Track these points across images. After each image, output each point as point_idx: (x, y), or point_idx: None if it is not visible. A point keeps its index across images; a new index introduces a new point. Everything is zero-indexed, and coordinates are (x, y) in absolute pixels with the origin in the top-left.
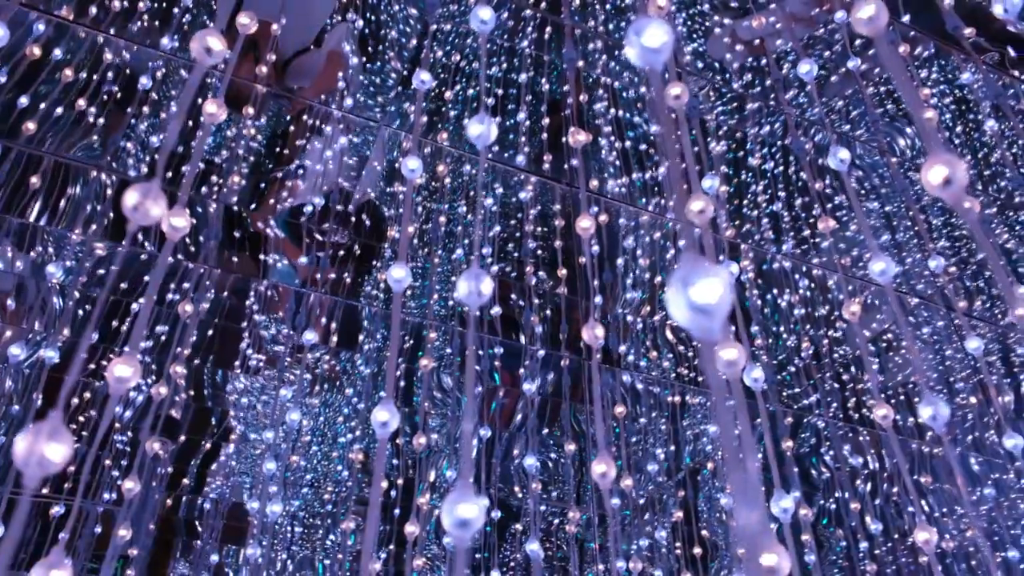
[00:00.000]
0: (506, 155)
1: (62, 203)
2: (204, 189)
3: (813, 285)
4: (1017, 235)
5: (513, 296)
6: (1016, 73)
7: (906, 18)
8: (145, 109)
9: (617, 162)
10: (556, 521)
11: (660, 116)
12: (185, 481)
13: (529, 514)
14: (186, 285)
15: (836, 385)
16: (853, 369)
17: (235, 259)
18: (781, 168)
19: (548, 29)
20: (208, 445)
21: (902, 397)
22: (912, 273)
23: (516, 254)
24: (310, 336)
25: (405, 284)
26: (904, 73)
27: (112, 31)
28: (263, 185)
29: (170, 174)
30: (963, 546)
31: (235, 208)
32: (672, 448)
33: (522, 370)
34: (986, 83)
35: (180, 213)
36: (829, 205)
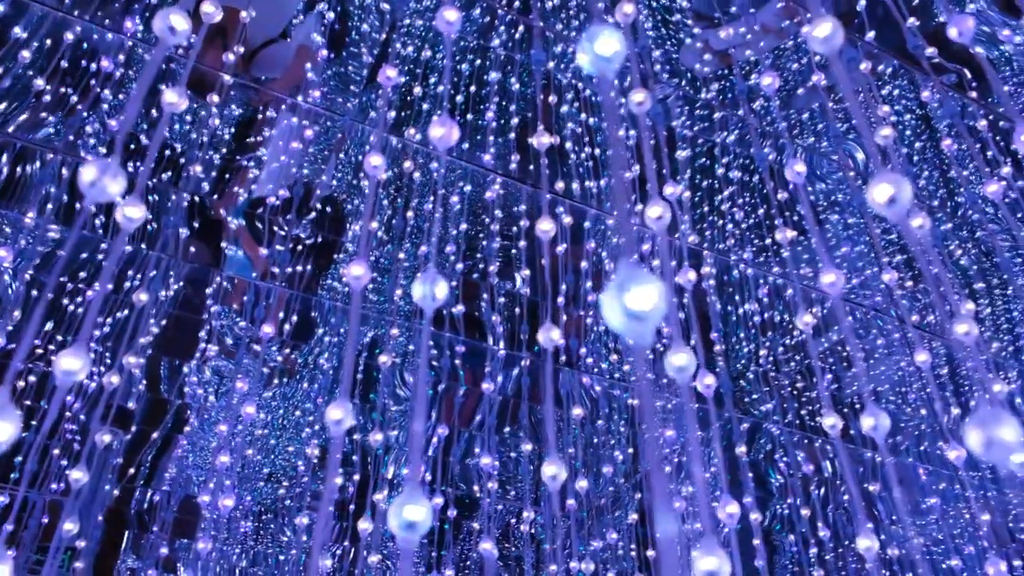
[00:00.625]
0: (477, 153)
1: (16, 185)
2: (168, 174)
3: (771, 293)
4: (973, 251)
5: (479, 295)
6: (973, 95)
7: (871, 34)
8: (107, 92)
9: (588, 164)
10: (514, 520)
11: (610, 123)
12: (133, 472)
13: (489, 513)
14: (153, 273)
15: (793, 393)
16: (814, 378)
17: (193, 248)
18: (747, 177)
19: (520, 28)
20: (162, 437)
21: (857, 406)
22: (870, 285)
23: (480, 254)
24: (268, 329)
25: (364, 282)
26: (853, 93)
27: (75, 12)
28: (227, 175)
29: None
30: (910, 554)
31: (197, 197)
32: (631, 451)
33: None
34: (943, 103)
35: (135, 203)
36: (792, 215)
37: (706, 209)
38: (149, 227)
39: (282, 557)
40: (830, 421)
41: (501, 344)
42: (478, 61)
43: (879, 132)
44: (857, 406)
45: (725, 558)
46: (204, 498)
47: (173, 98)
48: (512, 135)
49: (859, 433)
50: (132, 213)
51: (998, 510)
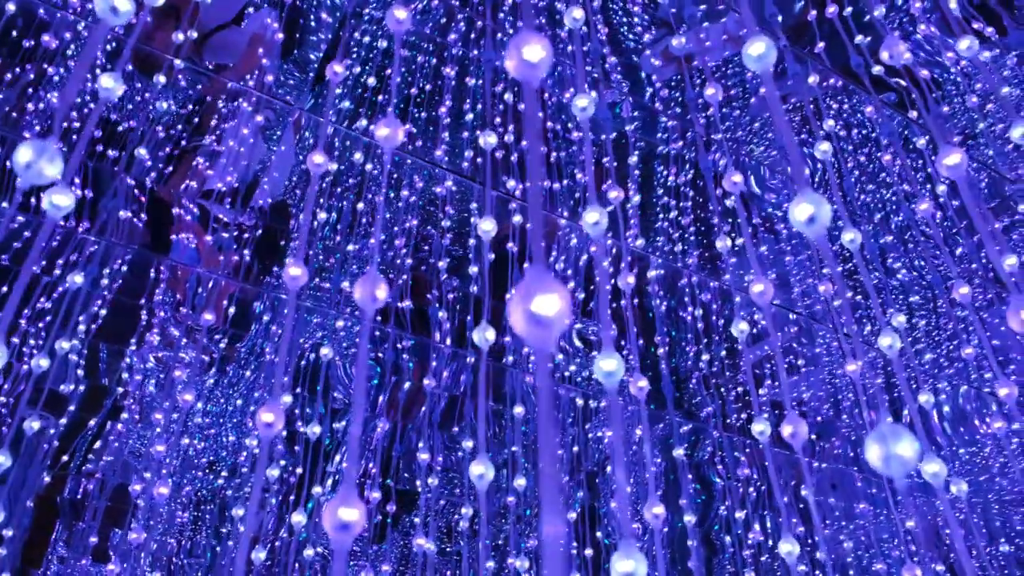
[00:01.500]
0: (429, 147)
1: None
2: (117, 151)
3: (716, 298)
4: (910, 265)
5: (428, 291)
6: (914, 114)
7: (821, 45)
8: (50, 69)
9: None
10: (457, 516)
11: (529, 130)
12: (67, 459)
13: (428, 509)
14: (90, 253)
15: (732, 397)
16: (756, 382)
17: (139, 233)
18: (700, 182)
19: (478, 25)
20: (99, 424)
21: (797, 411)
22: (810, 294)
23: (427, 248)
24: (208, 317)
25: (301, 283)
26: (781, 112)
27: None
28: (174, 160)
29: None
30: (840, 557)
31: (142, 181)
32: (575, 449)
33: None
34: (882, 121)
35: (64, 191)
36: (740, 222)
37: (657, 214)
38: (86, 209)
39: (219, 548)
40: (759, 428)
41: (448, 340)
42: (433, 60)
43: (818, 147)
44: (797, 411)
45: (642, 560)
46: (136, 487)
47: (109, 83)
48: (465, 133)
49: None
50: (60, 201)
51: (928, 515)
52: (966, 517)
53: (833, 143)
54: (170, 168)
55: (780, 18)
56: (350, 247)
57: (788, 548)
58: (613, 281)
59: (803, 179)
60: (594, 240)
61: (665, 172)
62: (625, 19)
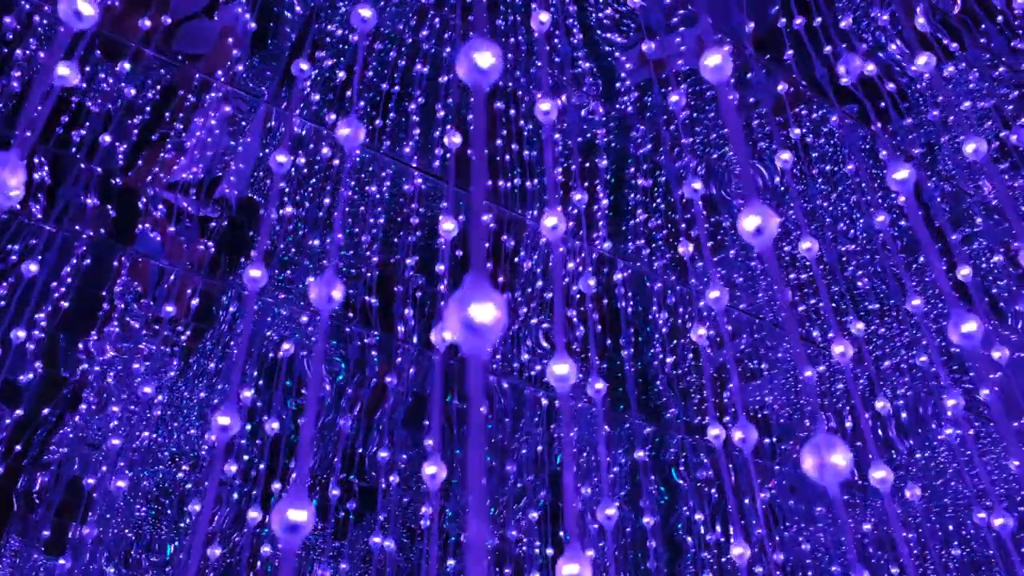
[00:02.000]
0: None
1: None
2: (81, 132)
3: (680, 302)
4: (871, 273)
5: (393, 288)
6: (878, 125)
7: (789, 52)
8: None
9: (516, 167)
10: (420, 515)
11: (476, 137)
12: (21, 450)
13: (389, 505)
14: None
15: (698, 399)
16: (719, 386)
17: (103, 223)
18: (668, 187)
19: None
20: (56, 415)
21: (759, 416)
22: (775, 300)
23: (395, 244)
24: (170, 309)
25: (261, 284)
26: (738, 124)
27: None
28: (139, 149)
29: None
30: (798, 559)
31: (106, 171)
32: (539, 448)
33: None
34: (844, 130)
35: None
36: (706, 227)
37: (626, 217)
38: (41, 196)
39: (178, 543)
40: (715, 432)
41: (414, 339)
42: (402, 59)
43: (780, 155)
44: (759, 415)
45: (587, 564)
46: (90, 480)
47: (65, 72)
48: (436, 132)
49: (761, 442)
50: (8, 183)
51: (875, 519)
52: (921, 521)
53: (799, 152)
54: (135, 157)
55: (752, 26)
56: (315, 242)
57: (739, 551)
58: (569, 283)
59: (753, 189)
60: (551, 244)
61: (636, 175)
62: (601, 22)
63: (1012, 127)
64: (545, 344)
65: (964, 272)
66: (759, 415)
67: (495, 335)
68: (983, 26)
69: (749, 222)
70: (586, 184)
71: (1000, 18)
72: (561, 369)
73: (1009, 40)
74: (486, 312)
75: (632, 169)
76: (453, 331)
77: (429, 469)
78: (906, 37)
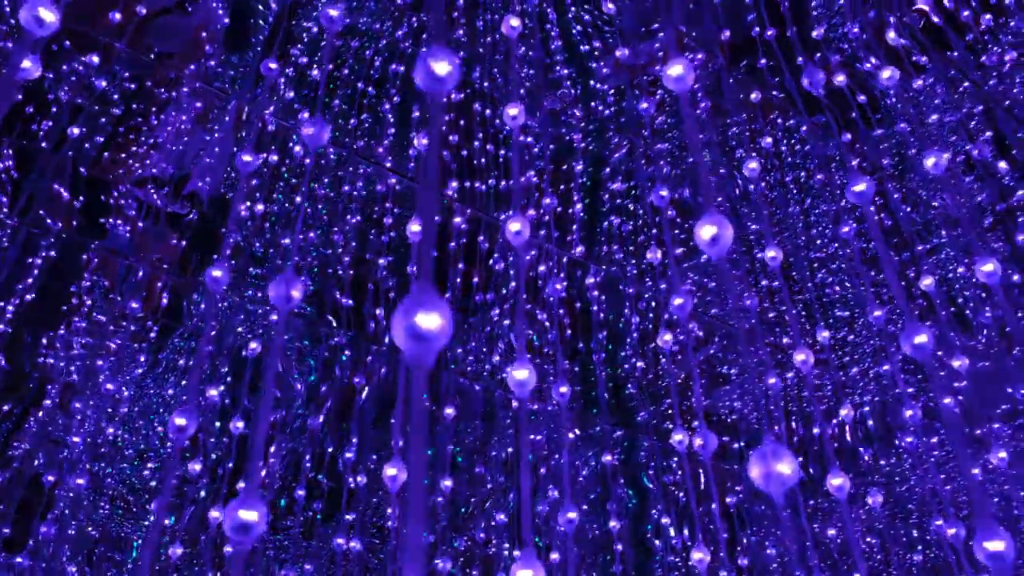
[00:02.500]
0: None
1: None
2: (46, 122)
3: (651, 307)
4: (838, 281)
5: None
6: (848, 136)
7: (763, 61)
8: None
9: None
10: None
11: (431, 142)
12: None
13: (355, 507)
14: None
15: (666, 404)
16: (688, 391)
17: (68, 219)
18: (639, 192)
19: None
20: (19, 411)
21: (728, 421)
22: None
23: (368, 244)
24: (136, 306)
25: (223, 284)
26: (696, 133)
27: None
28: (110, 145)
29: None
30: (764, 564)
31: (74, 165)
32: (510, 450)
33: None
34: (813, 140)
35: None
36: (679, 233)
37: (600, 221)
38: (8, 189)
39: (140, 541)
40: (678, 437)
41: (387, 339)
42: (378, 59)
43: (748, 164)
44: (729, 420)
45: (541, 570)
46: (50, 478)
47: (27, 64)
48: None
49: (731, 447)
50: None
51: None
52: (884, 527)
53: (771, 160)
54: (104, 152)
55: (728, 34)
56: (287, 240)
57: (699, 556)
58: (543, 286)
59: (711, 199)
60: (515, 248)
61: (611, 180)
62: (579, 27)
63: (976, 141)
64: (515, 345)
65: (927, 282)
66: (728, 420)
67: (440, 343)
68: (951, 42)
69: (705, 231)
70: (561, 188)
71: (970, 36)
72: (521, 374)
73: (978, 56)
74: (431, 321)
75: (607, 173)
76: (398, 339)
77: (389, 471)
78: (876, 50)
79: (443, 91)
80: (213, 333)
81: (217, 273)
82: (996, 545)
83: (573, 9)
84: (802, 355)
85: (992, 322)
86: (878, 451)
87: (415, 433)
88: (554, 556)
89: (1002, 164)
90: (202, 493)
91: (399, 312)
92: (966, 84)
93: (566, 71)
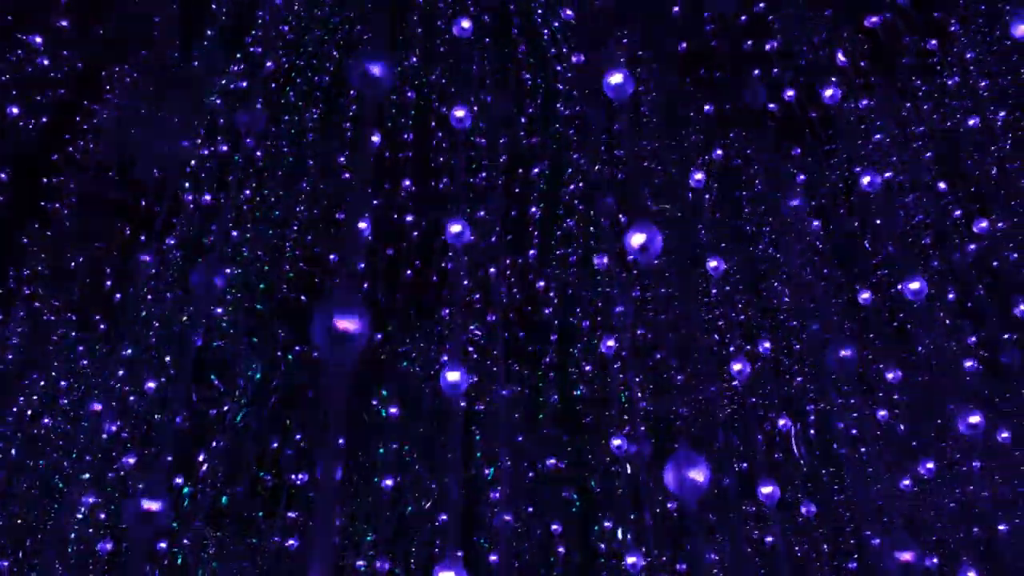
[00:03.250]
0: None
1: None
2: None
3: (599, 313)
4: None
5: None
6: (798, 150)
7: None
8: None
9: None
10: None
11: (362, 145)
12: None
13: (296, 505)
14: None
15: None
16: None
17: (5, 201)
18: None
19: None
20: None
21: (675, 427)
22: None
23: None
24: (72, 292)
25: (152, 270)
26: (632, 143)
27: None
28: (53, 128)
29: None
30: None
31: (15, 147)
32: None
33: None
34: (762, 153)
35: None
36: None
37: (553, 227)
38: None
39: (74, 534)
40: (616, 442)
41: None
42: (335, 51)
43: (694, 176)
44: (674, 426)
45: (462, 570)
46: None
47: None
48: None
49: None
50: None
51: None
52: (818, 535)
53: (719, 171)
54: (47, 134)
55: (684, 46)
56: (235, 233)
57: (632, 560)
58: (500, 290)
59: (642, 208)
60: (455, 251)
61: (567, 185)
62: (543, 31)
63: (918, 161)
64: (470, 348)
65: (864, 296)
66: (675, 425)
67: (359, 345)
68: (897, 65)
69: (635, 239)
70: (517, 191)
71: (915, 60)
72: (453, 376)
73: (926, 78)
74: (351, 323)
75: (565, 179)
76: (317, 340)
77: (325, 467)
78: (824, 69)
79: (380, 92)
80: (156, 324)
81: (146, 258)
82: (907, 555)
83: (540, 14)
84: (739, 365)
85: (928, 337)
86: (818, 460)
87: (329, 433)
88: (492, 558)
89: (941, 184)
90: (139, 486)
91: (318, 314)
92: (908, 105)
93: (527, 75)
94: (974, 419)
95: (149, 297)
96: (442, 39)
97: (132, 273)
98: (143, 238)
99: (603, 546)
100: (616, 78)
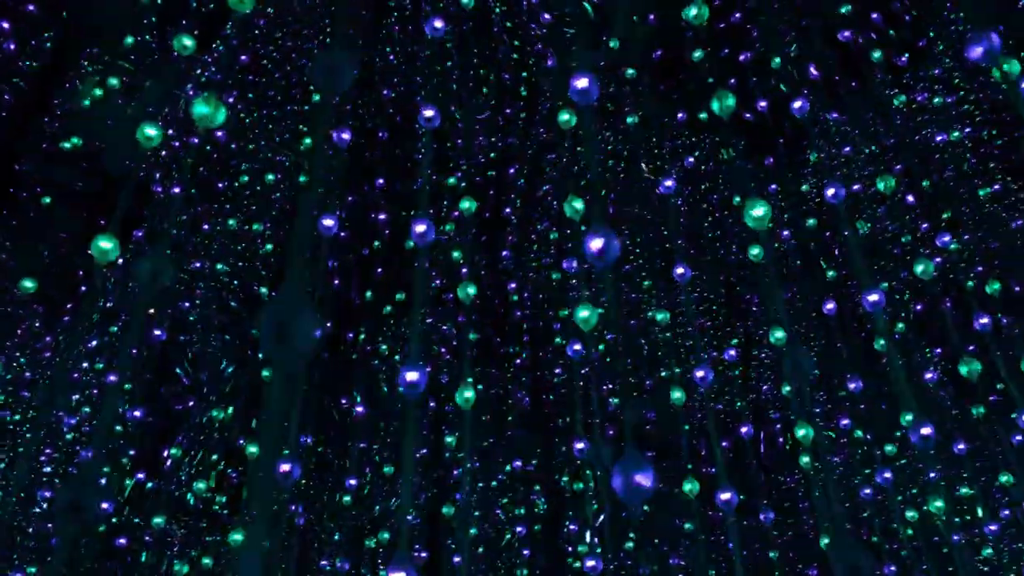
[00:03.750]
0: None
1: None
2: None
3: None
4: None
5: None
6: (771, 159)
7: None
8: None
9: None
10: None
11: (319, 148)
12: None
13: (251, 503)
14: None
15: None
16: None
17: None
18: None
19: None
20: None
21: (643, 431)
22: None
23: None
24: (29, 285)
25: (111, 257)
26: (596, 152)
27: None
28: (20, 117)
29: None
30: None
31: None
32: (423, 451)
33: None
34: (731, 163)
35: None
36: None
37: (527, 229)
38: None
39: (31, 530)
40: (579, 445)
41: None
42: (308, 44)
43: (665, 182)
44: (643, 430)
45: (414, 571)
46: None
47: None
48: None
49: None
50: None
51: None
52: (783, 542)
53: (690, 178)
54: (13, 123)
55: (659, 53)
56: (205, 226)
57: (592, 563)
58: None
59: (601, 214)
60: (420, 249)
61: (542, 186)
62: (521, 32)
63: (888, 174)
64: (442, 349)
65: (829, 306)
66: (643, 430)
67: (309, 346)
68: (867, 78)
69: (594, 244)
70: (491, 192)
71: (887, 75)
72: (412, 376)
73: (897, 90)
74: (306, 331)
75: (541, 180)
76: (265, 341)
77: (284, 467)
78: (795, 79)
79: (339, 89)
80: (123, 316)
81: (106, 245)
82: (856, 562)
83: (520, 15)
84: (701, 372)
85: (894, 347)
86: (780, 468)
87: (270, 433)
88: (456, 559)
89: (910, 198)
90: (102, 482)
91: (266, 314)
92: (879, 119)
93: (506, 76)
94: (926, 431)
95: (114, 289)
96: (420, 38)
97: (99, 264)
98: (111, 229)
99: (569, 548)
100: (582, 82)
